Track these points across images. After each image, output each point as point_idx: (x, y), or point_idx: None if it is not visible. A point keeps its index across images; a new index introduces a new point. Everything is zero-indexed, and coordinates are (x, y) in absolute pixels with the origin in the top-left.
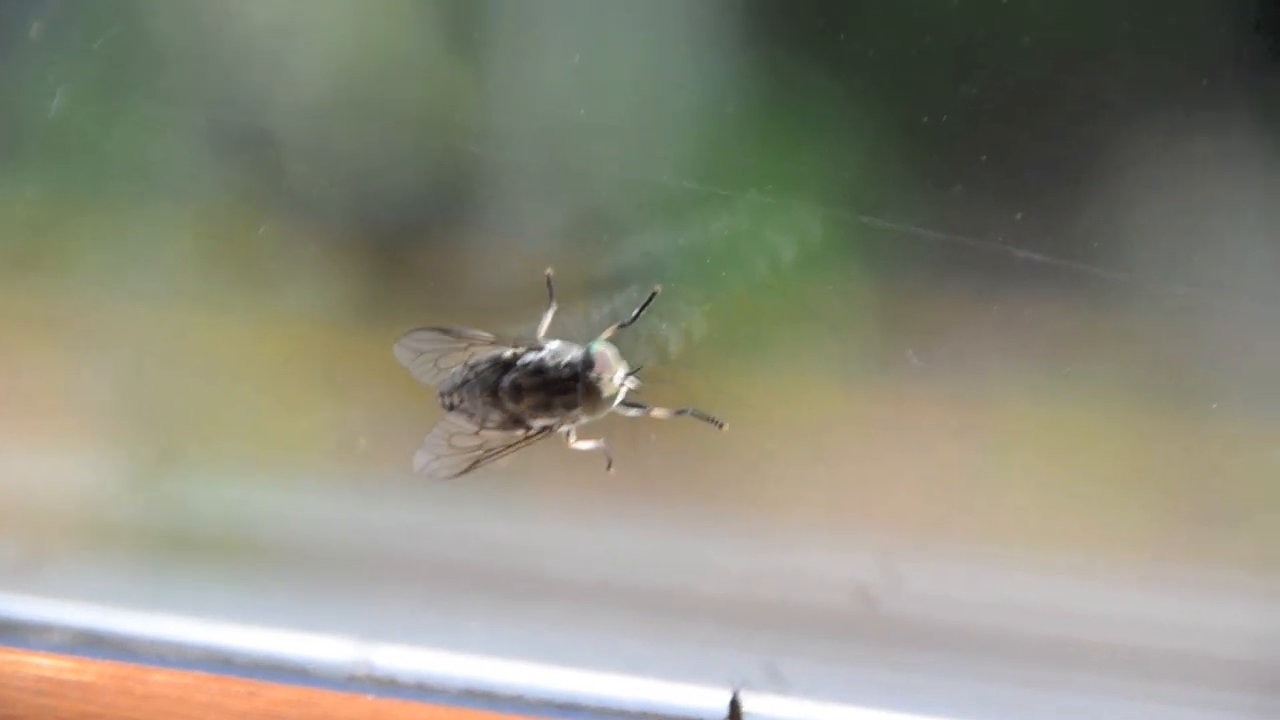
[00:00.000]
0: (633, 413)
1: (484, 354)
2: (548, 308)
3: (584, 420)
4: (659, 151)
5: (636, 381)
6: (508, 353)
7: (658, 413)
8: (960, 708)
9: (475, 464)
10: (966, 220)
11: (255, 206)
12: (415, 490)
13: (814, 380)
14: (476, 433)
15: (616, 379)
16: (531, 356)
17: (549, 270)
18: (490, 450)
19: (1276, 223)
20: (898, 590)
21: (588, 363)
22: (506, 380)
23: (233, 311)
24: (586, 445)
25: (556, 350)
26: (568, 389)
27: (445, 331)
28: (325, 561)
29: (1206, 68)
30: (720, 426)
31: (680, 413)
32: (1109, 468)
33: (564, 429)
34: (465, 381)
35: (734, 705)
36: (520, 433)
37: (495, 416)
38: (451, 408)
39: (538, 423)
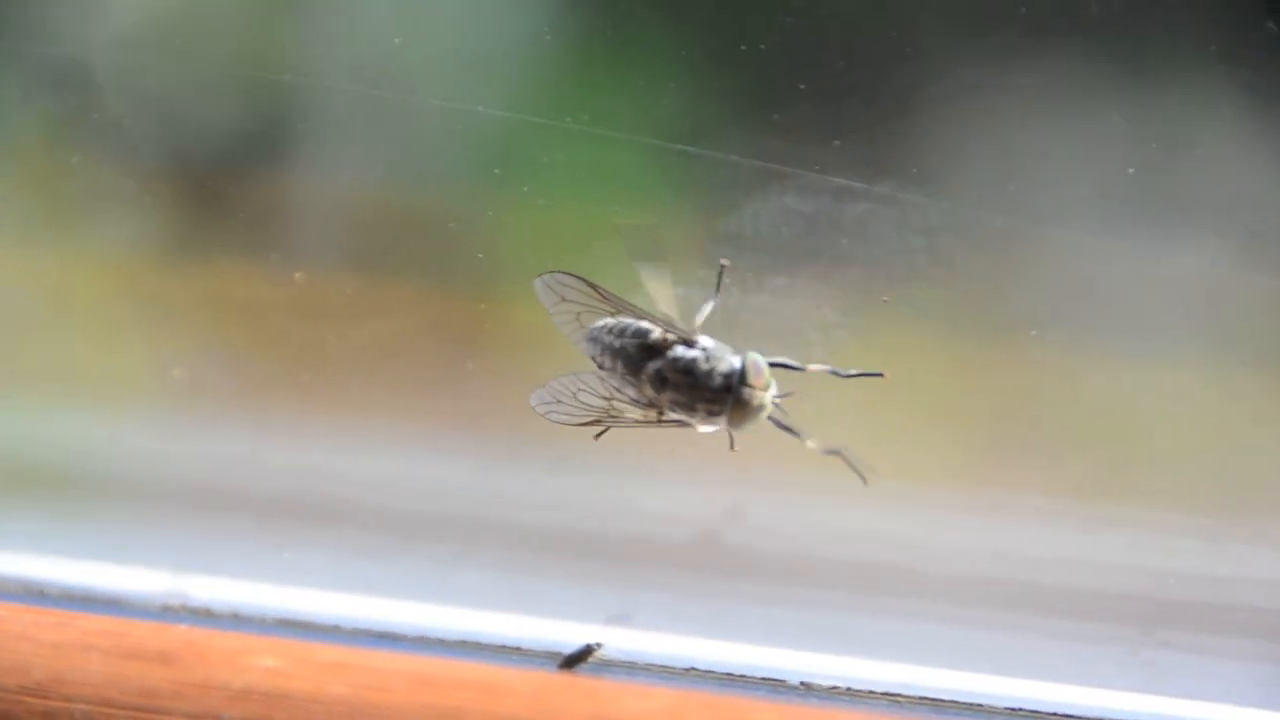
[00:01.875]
0: (782, 423)
1: (631, 324)
2: (712, 298)
3: (720, 428)
4: (477, 81)
5: (781, 402)
6: (656, 333)
7: (809, 444)
8: (798, 636)
9: (595, 424)
10: (785, 149)
11: (67, 139)
12: (229, 422)
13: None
14: (609, 399)
15: (768, 397)
16: (684, 351)
17: (724, 261)
18: (614, 418)
19: (1094, 152)
20: (741, 524)
21: (743, 375)
22: (653, 367)
23: (45, 244)
24: (711, 428)
25: (711, 352)
26: (716, 398)
27: (593, 286)
28: (139, 494)
29: None
30: (864, 481)
31: (831, 452)
32: (928, 395)
33: (696, 425)
34: (610, 349)
35: (586, 648)
36: (654, 415)
37: (631, 393)
38: (602, 368)
39: (675, 413)
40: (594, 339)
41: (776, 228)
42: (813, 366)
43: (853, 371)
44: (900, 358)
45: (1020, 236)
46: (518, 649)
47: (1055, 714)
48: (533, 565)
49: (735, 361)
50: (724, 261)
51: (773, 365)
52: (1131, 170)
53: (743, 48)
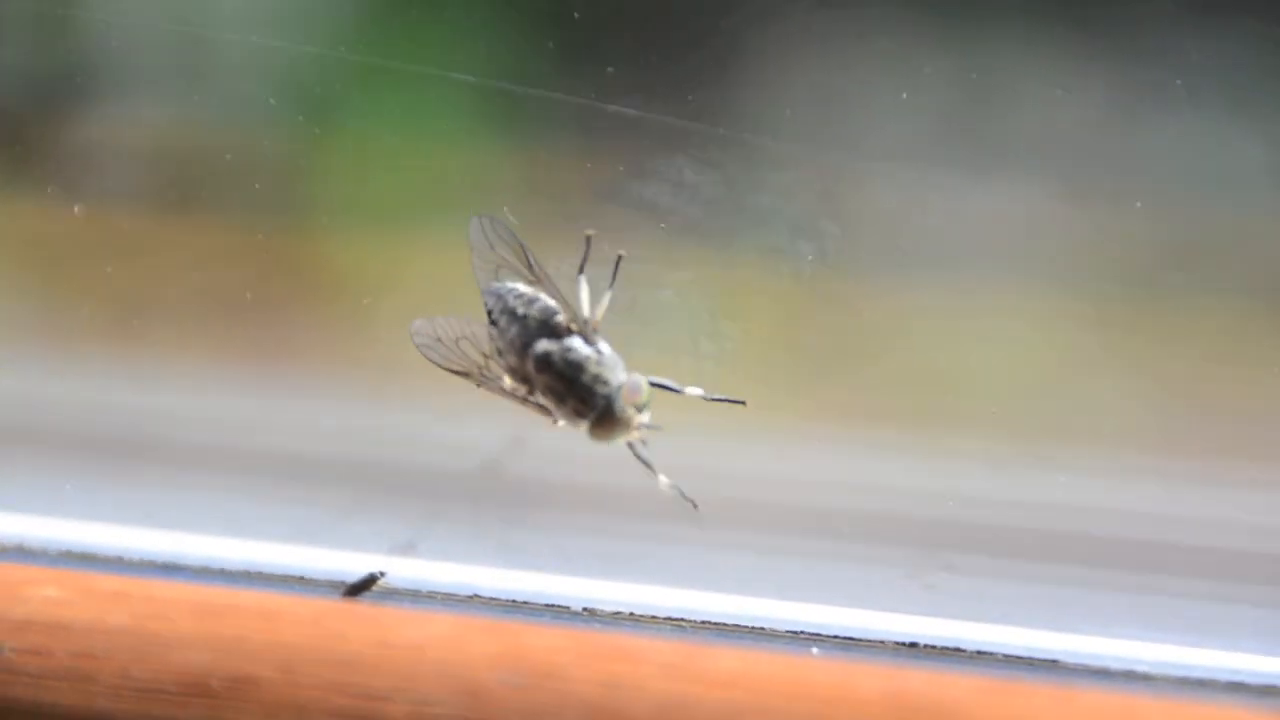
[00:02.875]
0: (639, 452)
1: (542, 300)
2: (608, 289)
3: (581, 431)
4: (292, 17)
5: (648, 433)
6: (561, 316)
7: (661, 479)
8: (582, 563)
9: (462, 375)
10: (616, 89)
11: None
12: (9, 356)
13: (449, 244)
14: (487, 357)
15: (635, 420)
16: (579, 345)
17: (620, 252)
18: (484, 377)
19: (913, 94)
20: (524, 453)
21: (612, 404)
22: (542, 346)
23: None
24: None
25: (604, 359)
26: (589, 401)
27: (525, 249)
28: None
29: None
30: (695, 507)
31: (673, 487)
32: (758, 327)
33: (559, 422)
34: (512, 312)
35: (369, 577)
36: (522, 390)
37: (510, 360)
38: (494, 324)
39: (542, 400)
40: (499, 296)
41: (617, 170)
42: (689, 390)
43: (719, 396)
44: (734, 291)
45: (828, 168)
46: (301, 578)
47: (837, 636)
48: (317, 497)
49: (621, 376)
50: (620, 253)
51: (653, 384)
52: (952, 111)
53: None
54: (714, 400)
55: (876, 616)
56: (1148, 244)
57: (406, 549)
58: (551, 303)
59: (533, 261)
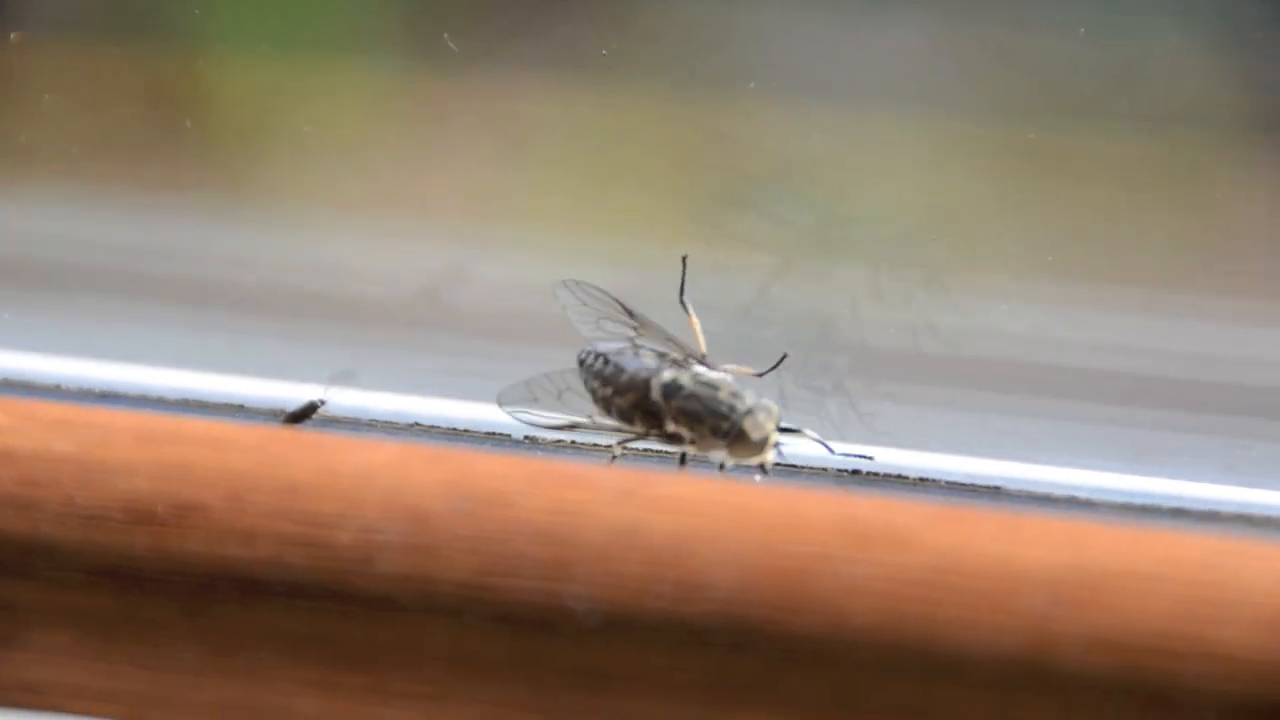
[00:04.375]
0: (768, 461)
1: (652, 344)
2: (691, 311)
3: (719, 455)
4: None
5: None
6: (674, 355)
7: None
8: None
9: (571, 428)
10: None
11: None
12: None
13: (353, 69)
14: (595, 402)
15: (774, 439)
16: (707, 370)
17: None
18: (594, 426)
19: None
20: (463, 282)
21: (753, 411)
22: (668, 374)
23: None
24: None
25: (734, 381)
26: (730, 416)
27: (618, 301)
28: None
29: None
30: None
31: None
32: (589, 142)
33: (689, 451)
34: (625, 352)
35: (309, 405)
36: (643, 429)
37: (630, 400)
38: (595, 362)
39: (678, 431)
40: (600, 354)
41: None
42: (808, 432)
43: (841, 451)
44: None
45: None
46: (241, 407)
47: (779, 464)
48: (255, 326)
49: (754, 397)
50: (684, 255)
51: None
52: None
53: None
54: (833, 452)
55: (817, 445)
56: (1088, 70)
57: (346, 378)
58: (658, 341)
59: (630, 309)
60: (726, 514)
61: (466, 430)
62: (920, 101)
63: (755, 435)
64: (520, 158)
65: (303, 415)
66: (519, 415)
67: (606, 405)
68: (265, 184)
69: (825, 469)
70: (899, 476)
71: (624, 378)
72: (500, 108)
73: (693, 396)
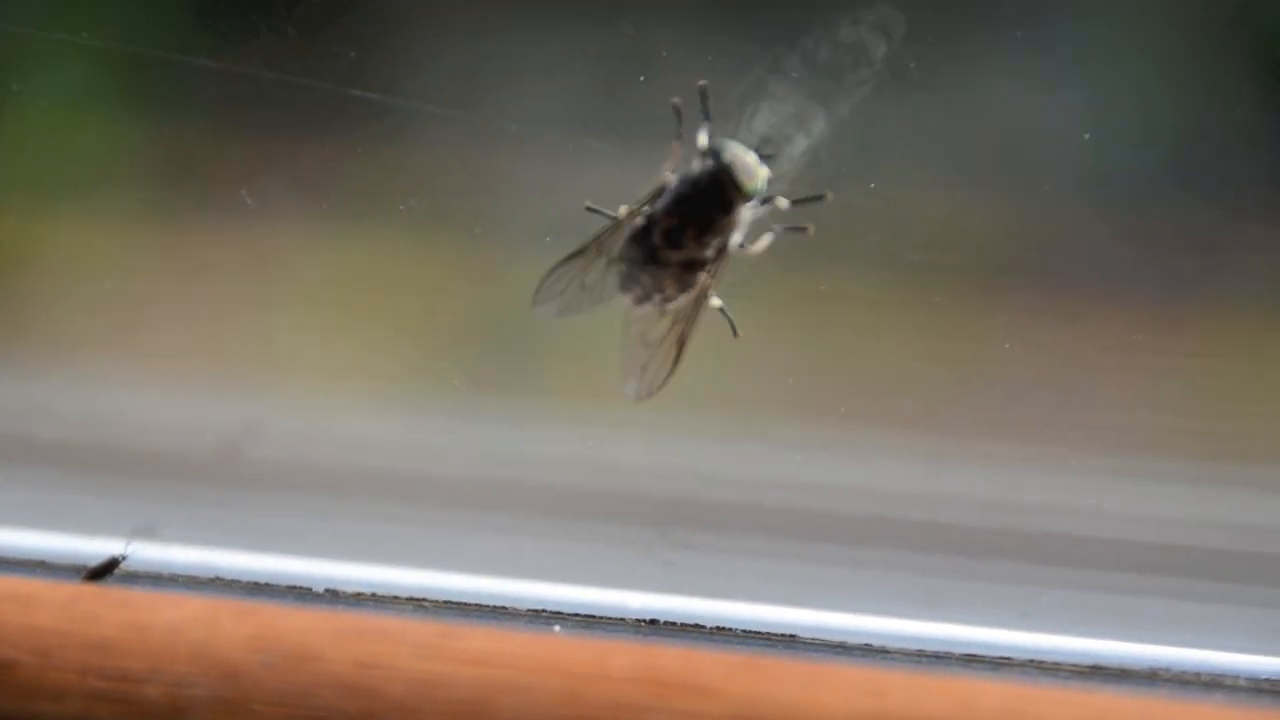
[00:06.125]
0: (782, 203)
1: (617, 242)
2: (707, 121)
3: (750, 218)
4: None
5: (768, 153)
6: (639, 220)
7: (781, 202)
8: (323, 544)
9: (681, 341)
10: (295, 60)
11: None
12: None
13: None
14: (664, 312)
15: (753, 158)
16: (664, 199)
17: (701, 82)
18: (685, 318)
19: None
20: (261, 436)
21: (721, 159)
22: (655, 238)
23: None
24: (765, 243)
25: (681, 177)
26: (719, 195)
27: (568, 260)
28: None
29: None
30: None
31: (817, 198)
32: (387, 294)
33: (737, 242)
34: (626, 274)
35: (110, 560)
36: (701, 276)
37: (669, 281)
38: (645, 299)
39: (710, 250)
40: (615, 280)
41: (281, 140)
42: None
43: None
44: (386, 266)
45: (506, 136)
46: (42, 563)
47: (578, 614)
48: (54, 480)
49: (706, 162)
50: (702, 82)
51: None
52: (642, 78)
53: None
54: (799, 203)
55: (616, 594)
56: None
57: (146, 532)
58: (615, 237)
59: (575, 254)
60: (531, 666)
61: (268, 584)
62: None
63: (755, 174)
64: (313, 308)
65: (104, 571)
66: (654, 391)
67: (665, 297)
68: (56, 336)
69: (623, 619)
70: (696, 625)
71: (651, 282)
72: (291, 259)
73: (686, 222)
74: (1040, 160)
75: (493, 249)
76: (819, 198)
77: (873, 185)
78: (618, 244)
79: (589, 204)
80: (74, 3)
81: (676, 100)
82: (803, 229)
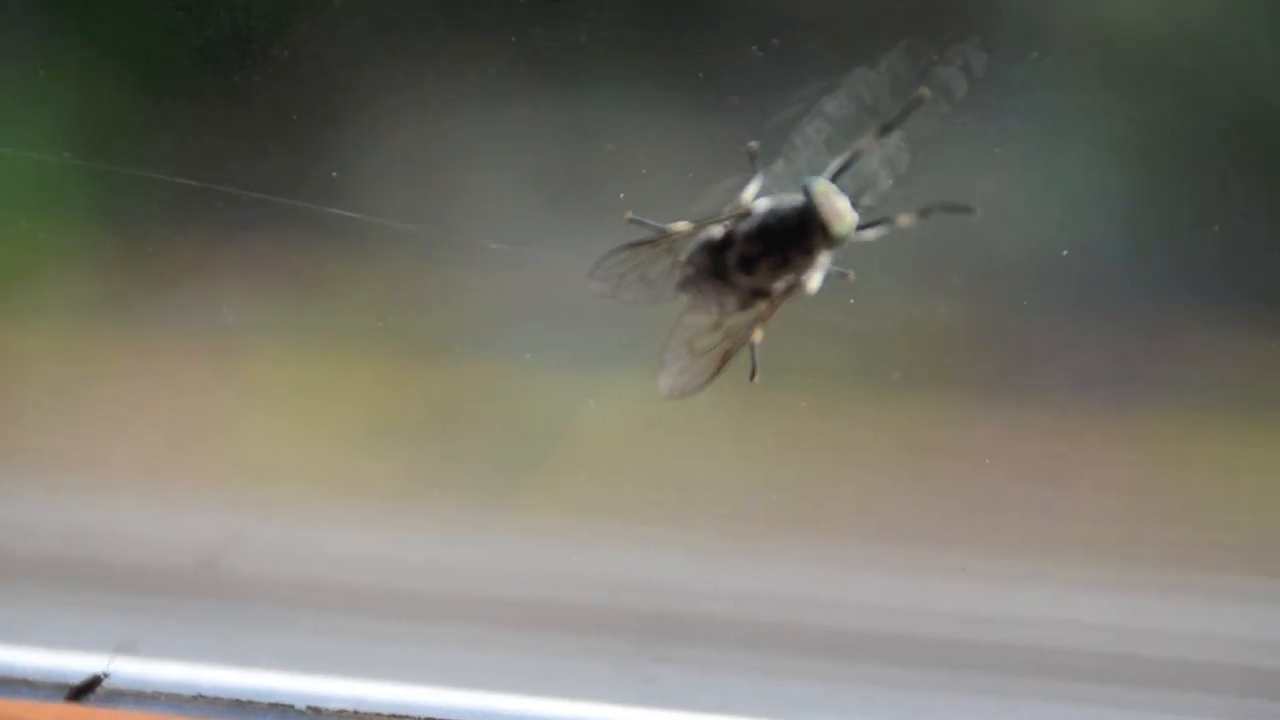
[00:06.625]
0: (873, 234)
1: (690, 244)
2: (751, 177)
3: (828, 260)
4: None
5: (866, 204)
6: (716, 230)
7: (903, 220)
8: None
9: (725, 358)
10: (212, 166)
11: None
12: None
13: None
14: (717, 325)
15: (846, 205)
16: (747, 224)
17: (753, 144)
18: (736, 337)
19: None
20: (243, 550)
21: (812, 200)
22: (731, 258)
23: None
24: (818, 282)
25: (772, 206)
26: (801, 235)
27: (635, 245)
28: None
29: None
30: (972, 211)
31: (925, 213)
32: (363, 410)
33: (813, 284)
34: (689, 279)
35: (93, 678)
36: (762, 305)
37: (732, 299)
38: (702, 309)
39: (779, 285)
40: (678, 280)
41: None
42: (902, 220)
43: (944, 205)
44: (332, 375)
45: (451, 247)
46: (26, 681)
47: None
48: (35, 596)
49: (796, 198)
50: (753, 145)
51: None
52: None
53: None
54: (942, 209)
55: (597, 708)
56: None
57: (128, 648)
58: (688, 239)
59: (644, 240)
60: None
61: (250, 701)
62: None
63: (843, 221)
64: (292, 422)
65: (87, 689)
66: (686, 393)
67: (723, 313)
68: (35, 451)
69: None
70: None
71: (712, 296)
72: (270, 373)
73: (764, 253)
74: (1020, 275)
75: (475, 366)
76: (964, 208)
77: (852, 301)
78: (689, 247)
79: (631, 214)
80: (48, 122)
81: (754, 144)
82: (844, 274)
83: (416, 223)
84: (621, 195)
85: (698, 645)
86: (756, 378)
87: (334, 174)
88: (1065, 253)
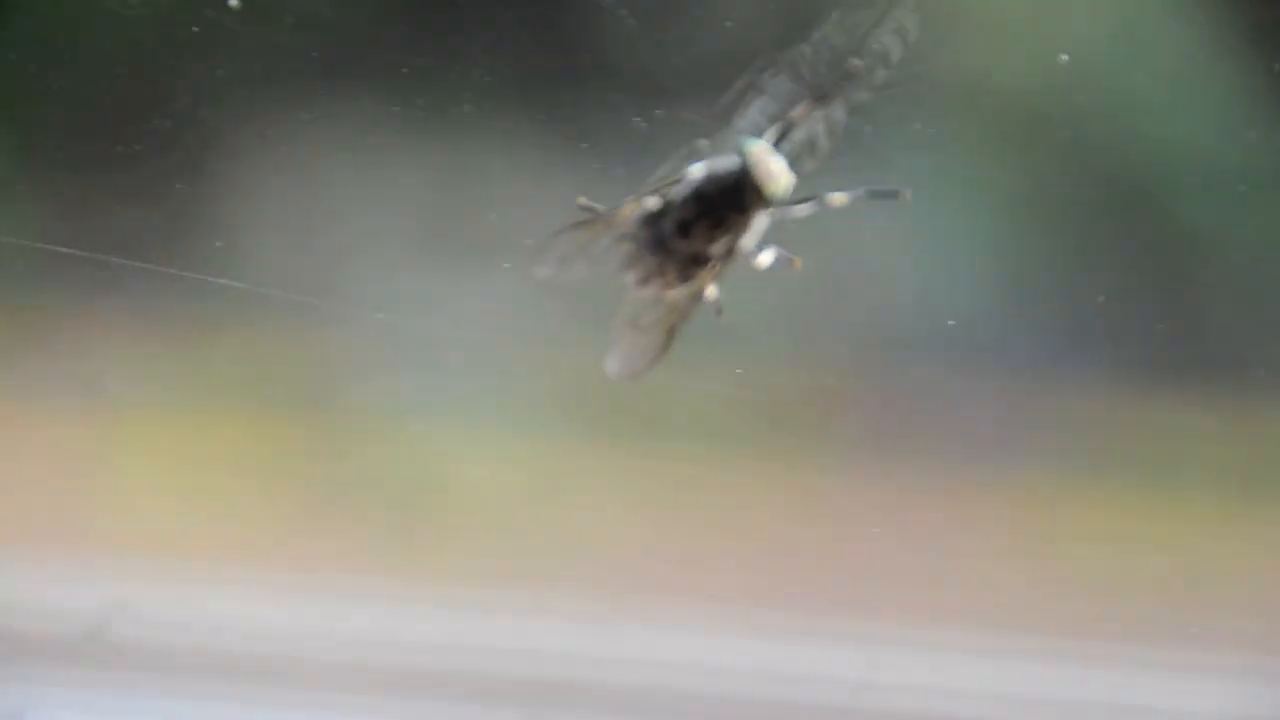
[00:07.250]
0: (804, 209)
1: (629, 221)
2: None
3: (765, 225)
4: None
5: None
6: (653, 201)
7: (835, 200)
8: None
9: (671, 332)
10: (95, 234)
11: None
12: None
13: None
14: (659, 299)
15: (781, 165)
16: (681, 189)
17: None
18: (680, 310)
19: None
20: (130, 618)
21: (747, 160)
22: (668, 225)
23: None
24: (769, 258)
25: (705, 170)
26: (737, 195)
27: (576, 227)
28: None
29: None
30: (901, 195)
31: (857, 196)
32: (247, 474)
33: (747, 245)
34: (632, 253)
35: None
36: (705, 271)
37: (674, 269)
38: (645, 282)
39: (718, 247)
40: (621, 257)
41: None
42: (834, 198)
43: (874, 191)
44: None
45: (328, 316)
46: None
47: None
48: None
49: (732, 159)
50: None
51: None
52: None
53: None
54: (872, 195)
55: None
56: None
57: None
58: (628, 215)
59: (584, 222)
60: None
61: None
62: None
63: (777, 181)
64: (179, 490)
65: None
66: (638, 375)
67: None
68: None
69: None
70: None
71: (655, 268)
72: (154, 440)
73: (700, 215)
74: (907, 343)
75: (360, 428)
76: (893, 193)
77: (739, 370)
78: (629, 222)
79: (582, 199)
80: None
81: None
82: (791, 259)
83: (301, 293)
84: (506, 266)
85: (585, 713)
86: (721, 314)
87: (218, 244)
88: (951, 322)
